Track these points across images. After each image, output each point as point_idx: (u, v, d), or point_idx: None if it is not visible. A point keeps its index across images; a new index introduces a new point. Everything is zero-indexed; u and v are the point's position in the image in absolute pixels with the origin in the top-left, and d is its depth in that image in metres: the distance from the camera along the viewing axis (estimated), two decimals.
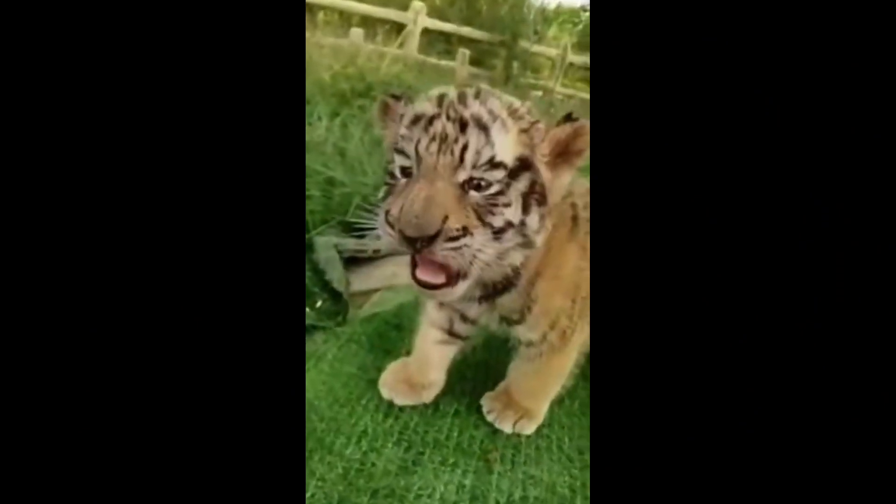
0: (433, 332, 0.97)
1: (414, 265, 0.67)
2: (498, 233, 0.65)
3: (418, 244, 0.60)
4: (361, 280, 1.37)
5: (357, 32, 4.78)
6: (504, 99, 0.68)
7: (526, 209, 0.66)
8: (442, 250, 0.61)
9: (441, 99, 0.66)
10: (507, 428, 0.93)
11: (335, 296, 1.24)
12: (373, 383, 0.98)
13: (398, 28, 5.67)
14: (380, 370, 1.00)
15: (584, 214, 0.83)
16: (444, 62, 5.25)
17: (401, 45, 5.15)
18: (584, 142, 0.69)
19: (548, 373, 0.92)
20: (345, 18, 5.73)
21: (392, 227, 0.62)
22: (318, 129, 2.25)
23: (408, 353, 1.03)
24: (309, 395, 0.93)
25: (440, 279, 0.66)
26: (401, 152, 0.66)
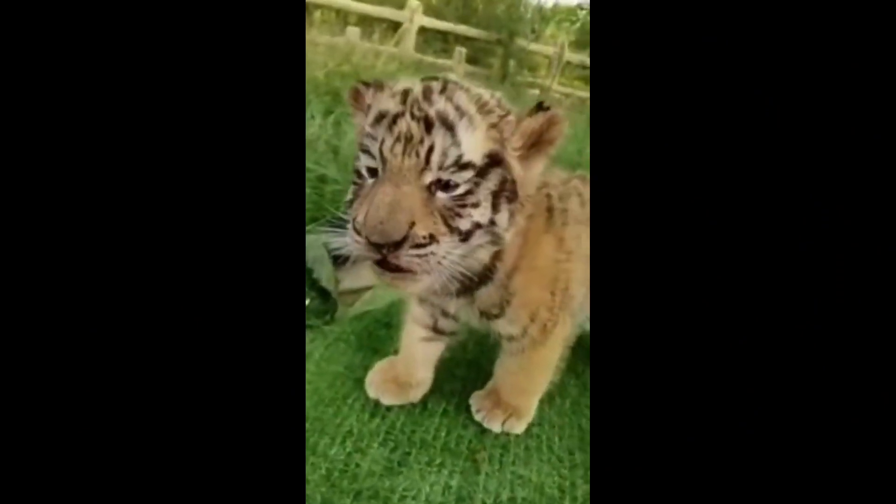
0: (418, 330, 0.95)
1: None
2: (465, 237, 0.63)
3: (384, 250, 0.59)
4: (352, 278, 1.36)
5: (353, 31, 4.77)
6: (472, 92, 0.65)
7: (496, 208, 0.64)
8: (407, 256, 0.59)
9: (405, 95, 0.63)
10: (495, 427, 0.91)
11: (324, 294, 1.23)
12: (360, 382, 0.97)
13: (394, 26, 5.66)
14: (367, 369, 0.99)
15: (560, 205, 0.82)
16: (440, 60, 5.24)
17: (397, 44, 5.13)
18: (558, 130, 0.67)
19: (532, 367, 0.91)
20: (341, 17, 5.72)
21: (359, 233, 0.59)
22: (312, 127, 2.24)
23: (396, 352, 1.01)
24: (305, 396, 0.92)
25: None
26: (366, 152, 0.63)
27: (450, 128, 0.60)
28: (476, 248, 0.66)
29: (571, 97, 6.07)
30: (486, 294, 0.79)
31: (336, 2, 5.46)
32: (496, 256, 0.74)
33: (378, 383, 0.94)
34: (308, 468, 0.77)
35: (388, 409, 0.93)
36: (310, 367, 1.00)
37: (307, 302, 1.21)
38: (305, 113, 2.40)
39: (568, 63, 6.56)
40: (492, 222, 0.65)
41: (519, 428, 0.92)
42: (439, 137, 0.60)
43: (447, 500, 0.76)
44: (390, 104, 0.63)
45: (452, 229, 0.62)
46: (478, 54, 6.31)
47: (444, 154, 0.60)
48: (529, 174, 0.69)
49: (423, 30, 5.77)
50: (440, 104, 0.61)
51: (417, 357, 0.96)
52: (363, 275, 1.38)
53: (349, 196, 0.68)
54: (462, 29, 6.16)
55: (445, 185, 0.61)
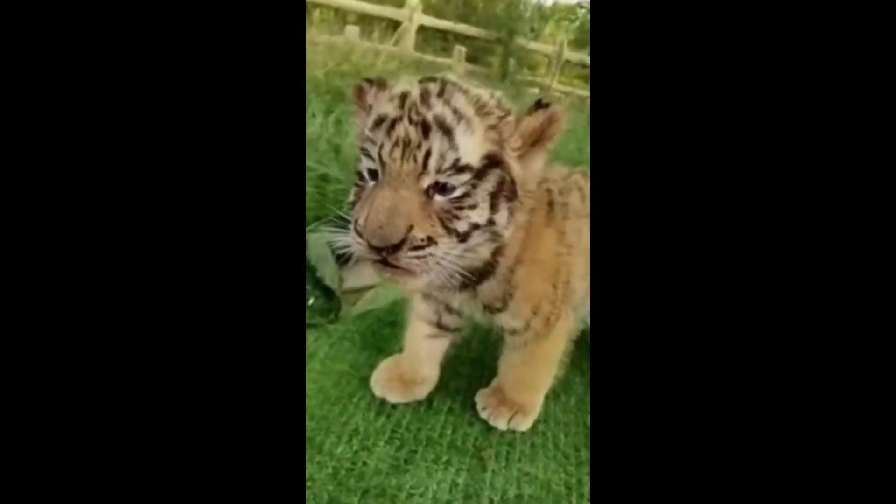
0: (422, 327, 0.95)
1: None
2: (464, 238, 0.64)
3: (383, 252, 0.60)
4: (355, 277, 1.36)
5: (353, 30, 4.76)
6: (471, 93, 0.65)
7: (494, 207, 0.65)
8: (406, 258, 0.60)
9: (403, 99, 0.63)
10: (501, 425, 0.91)
11: (328, 293, 1.23)
12: (365, 381, 0.97)
13: (394, 25, 5.65)
14: (372, 368, 0.99)
15: (560, 200, 0.83)
16: (440, 59, 5.24)
17: (396, 43, 5.13)
18: (557, 127, 0.67)
19: (536, 361, 0.91)
20: (340, 16, 5.71)
21: (360, 235, 0.61)
22: (313, 126, 2.23)
23: (401, 350, 1.01)
24: (305, 395, 0.92)
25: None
26: (367, 155, 0.64)
27: (447, 132, 0.61)
28: (475, 246, 0.67)
29: (571, 96, 6.07)
30: (489, 288, 0.79)
31: (335, 1, 5.45)
32: (497, 251, 0.74)
33: (383, 381, 0.94)
34: (314, 467, 0.77)
35: (394, 407, 0.93)
36: (315, 365, 1.00)
37: (311, 301, 1.21)
38: (306, 112, 2.40)
39: (567, 62, 6.56)
40: (490, 222, 0.65)
41: (525, 425, 0.92)
42: (436, 142, 0.60)
43: (454, 498, 0.76)
44: (389, 108, 0.63)
45: (450, 231, 0.63)
46: (477, 53, 6.31)
47: (442, 158, 0.61)
48: (529, 171, 0.69)
49: (422, 28, 5.76)
50: (438, 108, 0.62)
51: (422, 354, 0.96)
52: (366, 273, 1.38)
53: (351, 197, 0.69)
54: (462, 28, 6.15)
55: (443, 188, 0.62)
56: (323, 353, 1.04)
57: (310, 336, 1.09)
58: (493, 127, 0.64)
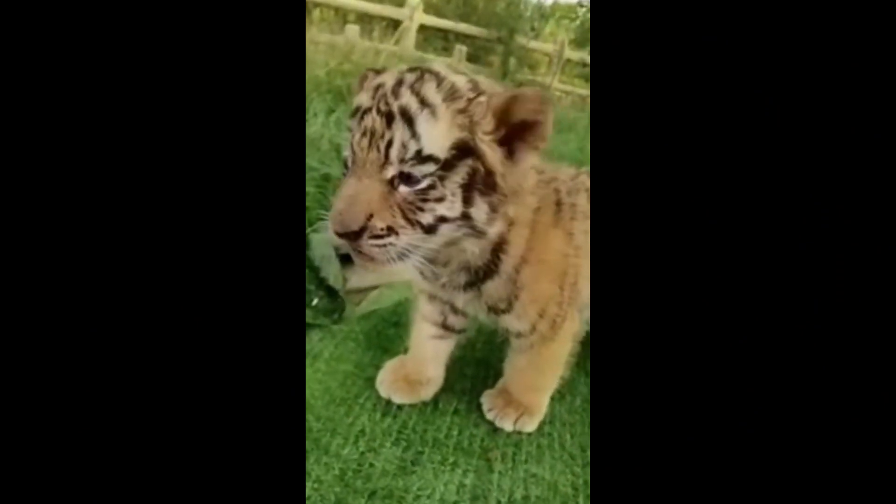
0: (427, 328, 0.95)
1: None
2: (429, 230, 0.63)
3: (345, 238, 0.62)
4: (359, 277, 1.35)
5: (353, 29, 4.75)
6: (446, 81, 0.63)
7: (468, 201, 0.64)
8: (367, 245, 0.62)
9: (377, 89, 0.64)
10: (507, 426, 0.91)
11: (331, 293, 1.22)
12: (370, 382, 0.96)
13: (394, 24, 5.64)
14: (377, 368, 0.99)
15: (568, 200, 0.82)
16: (441, 59, 5.23)
17: (397, 42, 5.12)
18: (529, 111, 0.63)
19: (542, 364, 0.91)
20: (340, 15, 5.70)
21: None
22: (314, 126, 2.23)
23: (406, 351, 1.01)
24: (305, 394, 0.91)
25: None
26: (347, 144, 0.65)
27: (409, 122, 0.61)
28: (458, 240, 0.67)
29: (572, 95, 6.06)
30: (494, 288, 0.78)
31: (336, 0, 5.44)
32: (500, 249, 0.74)
33: (389, 382, 0.94)
34: (321, 468, 0.77)
35: (400, 408, 0.92)
36: (320, 366, 1.00)
37: (315, 301, 1.21)
38: (306, 111, 2.39)
39: (568, 61, 6.55)
40: (465, 216, 0.64)
41: (531, 426, 0.92)
42: (398, 132, 0.61)
43: (462, 500, 0.76)
44: (365, 98, 0.64)
45: (413, 222, 0.62)
46: (478, 52, 6.30)
47: (404, 148, 0.60)
48: (518, 167, 0.67)
49: (423, 28, 5.76)
50: (405, 98, 0.62)
51: (428, 355, 0.96)
52: (369, 273, 1.38)
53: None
54: (462, 27, 6.15)
55: (408, 179, 0.62)
56: (328, 353, 1.04)
57: (314, 336, 1.09)
58: (462, 111, 0.62)
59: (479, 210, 0.64)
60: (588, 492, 0.81)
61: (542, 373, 0.93)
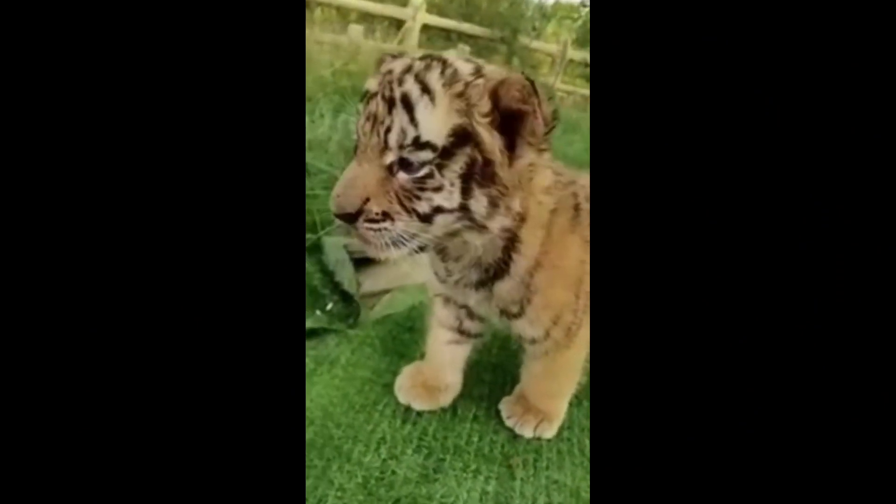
0: (443, 333, 0.95)
1: None
2: (425, 219, 0.63)
3: (343, 220, 0.63)
4: (372, 281, 1.35)
5: (357, 29, 4.75)
6: (451, 67, 0.63)
7: (467, 192, 0.63)
8: (362, 228, 0.63)
9: (386, 75, 0.64)
10: (527, 433, 0.91)
11: (346, 297, 1.22)
12: (388, 388, 0.96)
13: (396, 24, 5.64)
14: (394, 374, 0.98)
15: (587, 205, 0.81)
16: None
17: (401, 42, 5.11)
18: (513, 99, 0.61)
19: (558, 371, 0.90)
20: (342, 14, 5.70)
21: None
22: (322, 127, 2.22)
23: (422, 356, 1.01)
24: (324, 401, 0.91)
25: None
26: (355, 128, 0.66)
27: (409, 108, 0.61)
28: (458, 232, 0.67)
29: (574, 95, 6.06)
30: (506, 290, 0.78)
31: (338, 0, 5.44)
32: (511, 247, 0.73)
33: (407, 388, 0.94)
34: (344, 476, 0.77)
35: (419, 414, 0.92)
36: (337, 372, 1.00)
37: (329, 306, 1.20)
38: (312, 113, 2.38)
39: (571, 61, 6.55)
40: (463, 207, 0.64)
41: (550, 432, 0.92)
42: (397, 118, 0.61)
43: None
44: (373, 83, 0.65)
45: (409, 210, 0.63)
46: (481, 52, 6.29)
47: (402, 133, 0.61)
48: (517, 162, 0.65)
49: (426, 27, 5.75)
50: (408, 84, 0.62)
51: (445, 361, 0.96)
52: (384, 277, 1.38)
53: None
54: (465, 27, 6.14)
55: (407, 166, 0.62)
56: (345, 358, 1.04)
57: (330, 342, 1.08)
58: (460, 94, 0.61)
59: (478, 203, 0.64)
60: None
61: (559, 379, 0.92)
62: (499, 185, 0.64)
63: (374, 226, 0.62)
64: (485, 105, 0.62)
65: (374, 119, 0.62)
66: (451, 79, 0.62)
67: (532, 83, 0.62)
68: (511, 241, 0.73)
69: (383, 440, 0.85)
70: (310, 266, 1.31)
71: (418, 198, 0.62)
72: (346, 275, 1.25)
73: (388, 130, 0.61)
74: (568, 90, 6.28)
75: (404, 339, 1.14)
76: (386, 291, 1.35)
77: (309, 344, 1.06)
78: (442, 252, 0.77)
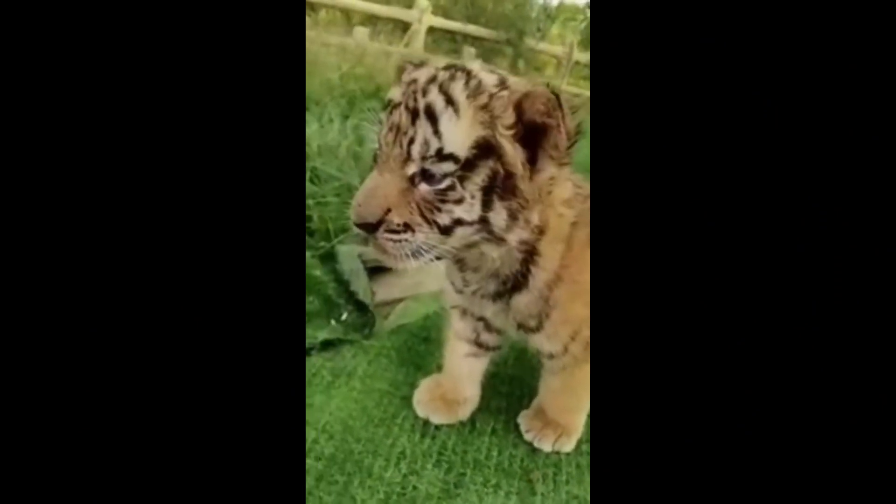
0: (461, 346, 0.94)
1: None
2: (445, 231, 0.63)
3: (363, 230, 0.63)
4: (386, 290, 1.35)
5: (362, 31, 4.75)
6: (475, 79, 0.63)
7: (487, 205, 0.63)
8: (382, 238, 0.62)
9: (410, 85, 0.64)
10: (547, 447, 0.90)
11: (361, 307, 1.22)
12: (406, 400, 0.96)
13: (400, 26, 5.64)
14: (412, 386, 0.98)
15: None
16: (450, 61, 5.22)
17: (407, 45, 5.11)
18: (537, 112, 0.61)
19: (577, 386, 0.89)
20: (346, 16, 5.70)
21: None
22: (331, 133, 2.22)
23: (439, 367, 1.01)
24: (343, 414, 0.91)
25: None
26: (376, 137, 0.66)
27: (433, 119, 0.61)
28: (476, 244, 0.66)
29: (580, 97, 6.03)
30: (524, 303, 0.77)
31: (342, 1, 5.44)
32: (530, 260, 0.73)
33: (426, 402, 0.94)
34: (366, 492, 0.77)
35: (438, 428, 0.92)
36: (355, 384, 1.00)
37: (344, 315, 1.20)
38: (314, 118, 2.37)
39: (576, 63, 6.53)
40: (483, 220, 0.64)
41: (569, 446, 0.92)
42: (421, 129, 0.61)
43: None
44: (397, 92, 0.65)
45: (430, 222, 0.62)
46: (486, 54, 6.29)
47: (426, 145, 0.61)
48: (538, 175, 0.65)
49: (431, 30, 5.75)
50: (432, 95, 0.62)
51: (463, 373, 0.95)
52: (397, 285, 1.38)
53: None
54: (471, 29, 6.13)
55: (429, 178, 0.62)
56: (362, 370, 1.04)
57: (346, 353, 1.08)
58: (484, 106, 0.61)
59: (498, 215, 0.64)
60: None
61: (578, 394, 0.91)
62: (519, 199, 0.64)
63: (395, 237, 0.62)
64: (509, 117, 0.62)
65: (396, 129, 0.62)
66: (476, 90, 0.62)
67: (557, 96, 0.61)
68: (530, 254, 0.73)
69: (403, 455, 0.85)
70: (324, 275, 1.31)
71: (439, 209, 0.62)
72: (360, 284, 1.25)
73: (411, 141, 0.61)
74: (573, 92, 6.27)
75: (420, 350, 1.14)
76: (399, 300, 1.35)
77: (325, 355, 1.06)
78: (459, 262, 0.77)
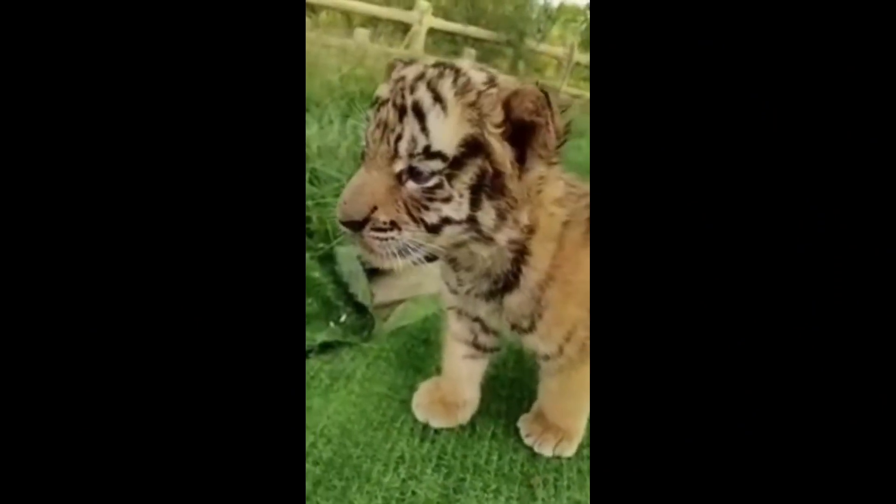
0: (459, 348, 0.94)
1: None
2: (433, 229, 0.63)
3: (348, 228, 0.62)
4: (385, 291, 1.34)
5: (363, 33, 4.75)
6: (464, 76, 0.62)
7: (475, 204, 0.62)
8: (368, 236, 0.61)
9: (398, 82, 0.63)
10: (547, 452, 0.89)
11: (360, 309, 1.21)
12: (405, 404, 0.95)
13: (400, 27, 5.64)
14: (411, 389, 0.97)
15: None
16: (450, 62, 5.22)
17: (407, 46, 5.11)
18: (525, 110, 0.61)
19: (575, 388, 0.88)
20: (346, 18, 5.70)
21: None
22: (331, 134, 2.21)
23: (438, 370, 1.00)
24: (342, 418, 0.90)
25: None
26: (364, 134, 0.65)
27: (420, 117, 0.60)
28: (464, 243, 0.66)
29: (580, 98, 6.04)
30: (516, 303, 0.76)
31: (342, 3, 5.44)
32: (521, 259, 0.72)
33: (426, 406, 0.93)
34: (364, 497, 0.76)
35: (437, 431, 0.91)
36: (354, 387, 0.99)
37: (343, 318, 1.19)
38: (315, 119, 2.37)
39: (577, 64, 6.53)
40: (471, 219, 0.63)
41: (570, 451, 0.91)
42: (408, 126, 0.60)
43: None
44: (385, 90, 0.64)
45: (417, 220, 0.62)
46: (487, 56, 6.29)
47: (413, 142, 0.60)
48: (527, 175, 0.65)
49: (431, 31, 5.75)
50: (419, 92, 0.61)
51: (462, 376, 0.95)
52: (396, 287, 1.37)
53: None
54: (471, 30, 6.13)
55: (418, 175, 0.61)
56: (360, 373, 1.03)
57: (345, 356, 1.07)
58: (472, 104, 0.60)
59: (486, 215, 0.63)
60: None
61: (577, 397, 0.91)
62: (508, 198, 0.63)
63: (381, 234, 0.61)
64: (497, 115, 0.61)
65: (384, 126, 0.61)
66: (464, 88, 0.61)
67: (546, 95, 0.61)
68: (521, 254, 0.72)
69: (402, 459, 0.84)
70: (323, 277, 1.30)
71: (426, 208, 0.62)
72: (359, 286, 1.24)
73: (398, 138, 0.60)
74: (574, 94, 6.26)
75: (419, 352, 1.13)
76: (399, 302, 1.35)
77: (324, 358, 1.05)
78: (453, 262, 0.76)
